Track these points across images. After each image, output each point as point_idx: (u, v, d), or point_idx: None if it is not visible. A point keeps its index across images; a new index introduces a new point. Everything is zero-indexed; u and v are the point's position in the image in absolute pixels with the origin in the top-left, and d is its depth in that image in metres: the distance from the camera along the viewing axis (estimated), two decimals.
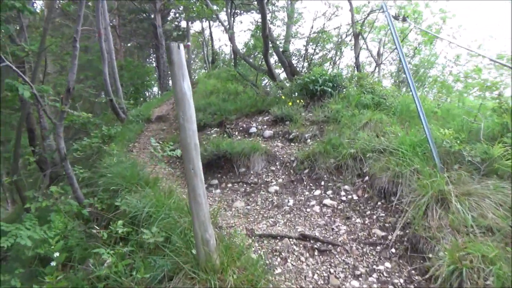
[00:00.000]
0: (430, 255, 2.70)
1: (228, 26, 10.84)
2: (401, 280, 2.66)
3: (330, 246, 3.12)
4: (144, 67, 19.03)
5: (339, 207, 3.83)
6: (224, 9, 11.74)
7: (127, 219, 3.38)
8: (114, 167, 4.61)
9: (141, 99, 17.25)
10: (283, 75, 10.29)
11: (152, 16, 17.58)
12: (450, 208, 2.95)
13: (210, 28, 19.17)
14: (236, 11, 14.36)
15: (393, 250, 3.01)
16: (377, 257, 2.97)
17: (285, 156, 5.01)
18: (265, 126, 6.16)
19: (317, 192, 4.15)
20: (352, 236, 3.28)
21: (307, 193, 4.20)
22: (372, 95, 5.78)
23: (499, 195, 2.86)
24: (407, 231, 3.09)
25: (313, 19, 9.92)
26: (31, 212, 3.79)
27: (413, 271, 2.74)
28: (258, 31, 9.09)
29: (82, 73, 14.24)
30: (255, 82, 10.15)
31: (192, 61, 25.15)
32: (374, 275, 2.75)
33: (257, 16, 13.02)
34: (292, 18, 10.25)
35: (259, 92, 8.26)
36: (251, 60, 12.58)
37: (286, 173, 4.69)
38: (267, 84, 13.18)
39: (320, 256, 3.01)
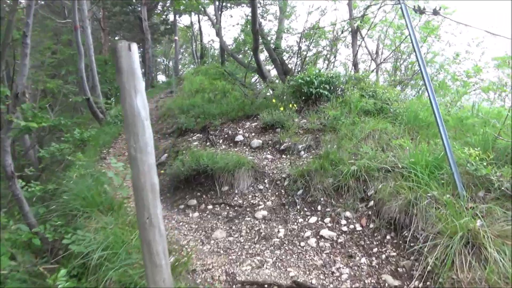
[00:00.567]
0: None
1: (215, 20, 10.05)
2: None
3: None
4: None
5: (339, 240, 3.16)
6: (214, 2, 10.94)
7: (79, 260, 2.69)
8: (76, 183, 3.90)
9: None
10: (274, 72, 9.58)
11: (139, 9, 16.60)
12: (482, 254, 2.32)
13: (199, 22, 18.48)
14: (225, 4, 13.56)
15: None
16: None
17: (275, 172, 4.31)
18: (253, 134, 5.44)
19: (313, 220, 3.47)
20: (357, 285, 2.62)
21: (301, 220, 3.52)
22: (374, 99, 5.11)
23: None
24: (427, 283, 2.43)
25: (307, 13, 9.14)
26: None
27: None
28: (249, 26, 8.33)
29: (63, 67, 13.35)
30: (243, 81, 9.40)
31: (180, 56, 24.32)
32: None
33: (248, 10, 12.28)
34: (284, 12, 9.50)
35: (247, 93, 7.53)
36: (240, 57, 11.83)
37: (276, 193, 4.00)
38: (257, 81, 12.38)
39: None
